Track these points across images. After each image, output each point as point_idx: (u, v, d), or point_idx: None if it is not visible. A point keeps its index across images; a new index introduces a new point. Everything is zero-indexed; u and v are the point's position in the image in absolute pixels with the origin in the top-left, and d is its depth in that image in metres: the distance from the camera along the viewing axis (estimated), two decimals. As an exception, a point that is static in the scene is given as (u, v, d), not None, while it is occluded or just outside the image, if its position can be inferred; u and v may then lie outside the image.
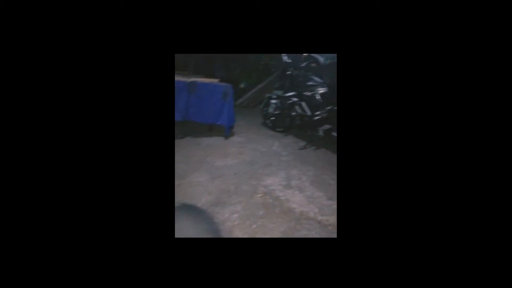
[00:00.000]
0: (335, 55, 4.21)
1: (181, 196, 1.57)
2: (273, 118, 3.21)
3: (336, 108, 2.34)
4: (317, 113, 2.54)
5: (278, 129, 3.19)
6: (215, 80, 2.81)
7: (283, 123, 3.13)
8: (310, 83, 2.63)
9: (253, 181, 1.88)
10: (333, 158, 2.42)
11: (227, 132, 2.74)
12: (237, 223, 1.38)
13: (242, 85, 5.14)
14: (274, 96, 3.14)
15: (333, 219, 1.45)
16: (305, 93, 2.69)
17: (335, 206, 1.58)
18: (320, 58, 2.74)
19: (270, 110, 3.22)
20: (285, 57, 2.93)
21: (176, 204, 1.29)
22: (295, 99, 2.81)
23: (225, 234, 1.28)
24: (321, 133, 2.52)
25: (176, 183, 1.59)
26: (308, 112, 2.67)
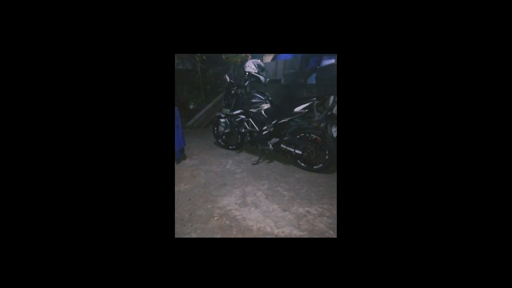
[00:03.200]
0: (275, 72, 4.51)
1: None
2: (224, 136, 3.23)
3: (280, 122, 2.50)
4: (264, 128, 2.66)
5: (230, 147, 3.22)
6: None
7: (235, 141, 3.18)
8: (254, 100, 2.76)
9: (208, 204, 1.84)
10: (284, 169, 2.54)
11: (177, 156, 2.64)
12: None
13: (191, 106, 5.09)
14: (223, 115, 3.18)
15: (288, 230, 1.51)
16: (251, 110, 2.79)
17: (290, 217, 1.65)
18: (261, 77, 2.91)
19: (221, 129, 3.24)
20: (228, 77, 3.02)
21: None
22: (242, 116, 2.89)
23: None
24: (270, 146, 2.64)
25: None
26: (256, 128, 2.78)
